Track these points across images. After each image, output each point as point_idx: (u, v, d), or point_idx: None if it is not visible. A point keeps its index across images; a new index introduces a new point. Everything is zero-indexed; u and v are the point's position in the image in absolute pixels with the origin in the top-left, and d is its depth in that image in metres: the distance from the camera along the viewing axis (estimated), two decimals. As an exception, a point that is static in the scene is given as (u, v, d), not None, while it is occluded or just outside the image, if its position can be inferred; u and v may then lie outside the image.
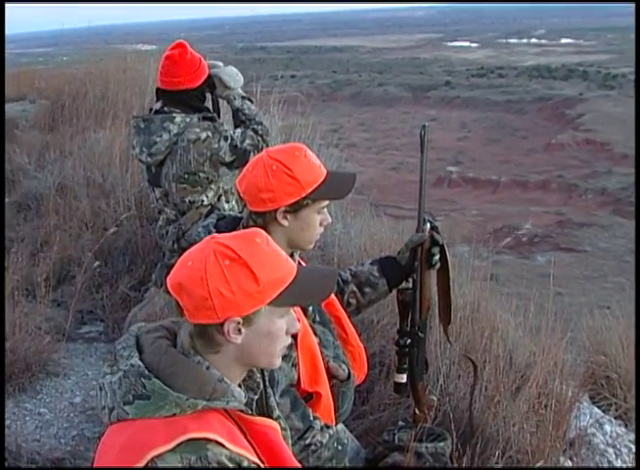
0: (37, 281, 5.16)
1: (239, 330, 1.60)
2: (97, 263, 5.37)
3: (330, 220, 2.50)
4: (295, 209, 2.35)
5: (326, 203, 2.45)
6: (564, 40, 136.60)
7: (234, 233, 1.69)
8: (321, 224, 2.45)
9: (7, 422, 4.09)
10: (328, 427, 2.43)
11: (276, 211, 2.34)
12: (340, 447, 2.44)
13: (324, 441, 2.39)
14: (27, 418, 4.20)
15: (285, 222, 2.36)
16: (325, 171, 2.41)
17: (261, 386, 1.81)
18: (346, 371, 2.59)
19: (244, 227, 2.40)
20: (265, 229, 2.32)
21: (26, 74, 11.81)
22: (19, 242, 6.05)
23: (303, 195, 2.34)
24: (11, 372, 4.38)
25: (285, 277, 1.64)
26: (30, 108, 10.13)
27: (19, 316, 4.64)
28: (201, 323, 1.60)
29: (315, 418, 2.41)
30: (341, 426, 2.72)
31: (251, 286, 1.58)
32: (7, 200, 7.22)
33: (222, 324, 1.59)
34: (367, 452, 2.81)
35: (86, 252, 5.57)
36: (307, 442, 2.35)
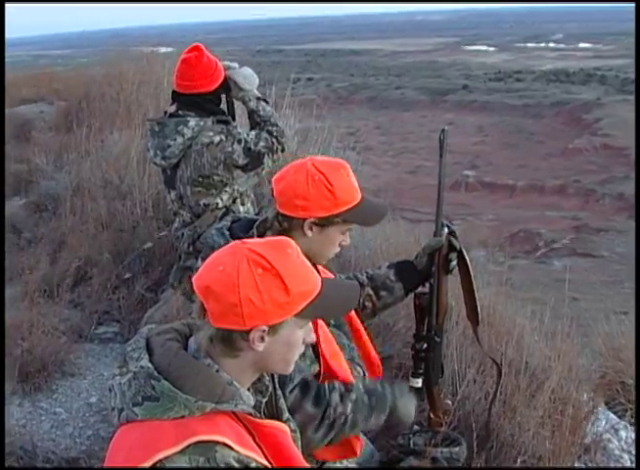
0: (55, 282, 5.20)
1: (262, 338, 1.61)
2: (128, 276, 5.38)
3: (348, 242, 2.51)
4: (323, 223, 2.36)
5: (352, 225, 2.45)
6: (582, 44, 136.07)
7: (265, 240, 1.70)
8: (340, 244, 2.46)
9: (22, 421, 4.12)
10: (349, 391, 2.37)
11: (305, 220, 2.34)
12: (373, 401, 2.39)
13: (348, 409, 2.33)
14: (43, 417, 4.22)
15: (309, 233, 2.35)
16: (360, 195, 2.42)
17: (270, 388, 1.82)
18: (361, 373, 2.59)
19: (269, 228, 2.40)
20: (288, 234, 2.32)
21: (45, 76, 11.89)
22: (36, 242, 6.08)
23: (336, 212, 2.34)
24: (27, 371, 4.40)
25: (312, 290, 1.65)
26: (48, 109, 10.20)
27: (36, 316, 4.67)
28: (224, 328, 1.60)
29: (333, 390, 2.34)
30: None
31: (282, 297, 1.59)
32: (24, 200, 7.27)
33: (248, 331, 1.60)
34: (381, 455, 2.81)
35: (103, 253, 5.59)
36: (330, 419, 2.30)
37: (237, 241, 1.68)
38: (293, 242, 1.71)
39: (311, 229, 2.35)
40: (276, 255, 1.62)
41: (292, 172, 2.36)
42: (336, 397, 2.37)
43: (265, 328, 1.60)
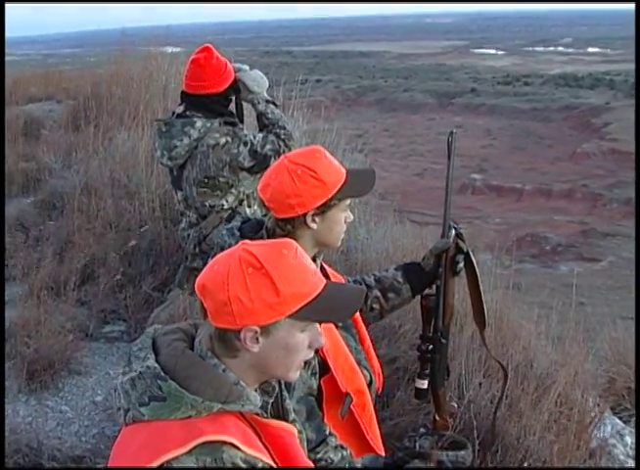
0: (61, 280, 5.21)
1: (256, 339, 1.60)
2: (118, 277, 5.40)
3: (352, 217, 2.50)
4: (322, 210, 2.35)
5: (349, 201, 2.46)
6: (591, 49, 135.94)
7: (264, 242, 1.68)
8: (345, 222, 2.46)
9: (29, 419, 4.14)
10: (343, 448, 2.40)
11: (305, 215, 2.34)
12: None
13: (335, 459, 2.34)
14: (49, 415, 4.24)
15: (314, 225, 2.35)
16: (345, 171, 2.42)
17: (277, 389, 1.80)
18: (368, 377, 2.58)
19: (270, 237, 2.40)
20: (294, 234, 2.32)
21: (54, 75, 11.91)
22: (44, 241, 6.09)
23: (330, 196, 2.33)
24: (34, 369, 4.42)
25: (309, 292, 1.62)
26: (57, 108, 10.21)
27: (42, 315, 4.69)
28: (221, 327, 1.60)
29: (331, 435, 2.39)
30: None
31: (271, 297, 1.57)
32: (32, 198, 7.29)
33: (239, 330, 1.59)
34: (386, 458, 2.80)
35: (110, 252, 5.60)
36: (319, 456, 2.31)
37: (238, 242, 1.68)
38: (293, 243, 1.69)
39: (314, 221, 2.34)
40: (269, 255, 1.60)
41: (273, 177, 2.34)
42: (333, 441, 2.37)
43: (257, 328, 1.58)
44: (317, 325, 1.70)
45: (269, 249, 1.63)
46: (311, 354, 1.73)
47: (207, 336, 1.63)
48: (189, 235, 4.18)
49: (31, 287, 5.10)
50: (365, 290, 1.93)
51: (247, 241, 1.68)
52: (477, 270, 2.85)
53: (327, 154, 2.39)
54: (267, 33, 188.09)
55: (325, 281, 1.69)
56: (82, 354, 4.78)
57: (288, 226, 2.36)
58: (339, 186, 2.36)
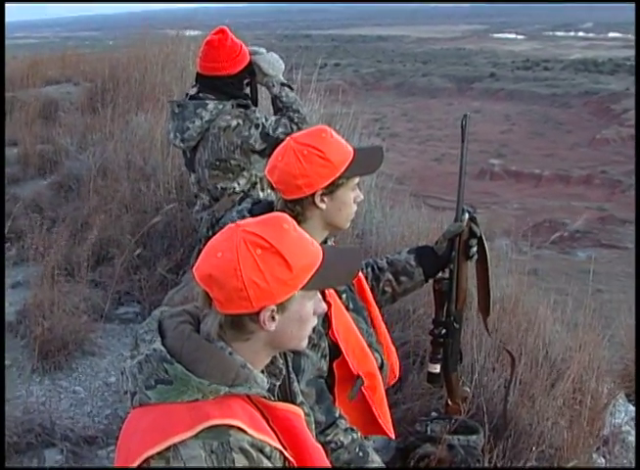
0: (77, 261, 5.23)
1: (273, 317, 1.59)
2: (138, 251, 5.40)
3: (362, 197, 2.49)
4: (331, 190, 2.34)
5: (357, 179, 2.44)
6: (611, 34, 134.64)
7: (259, 219, 1.65)
8: (354, 201, 2.44)
9: (42, 399, 4.15)
10: (353, 430, 2.40)
11: (313, 195, 2.32)
12: (361, 454, 2.39)
13: (345, 442, 2.35)
14: (62, 396, 4.26)
15: (323, 205, 2.34)
16: (352, 149, 2.40)
17: (284, 372, 1.80)
18: (379, 359, 2.57)
19: None
20: (303, 215, 2.31)
21: (71, 58, 11.92)
22: (59, 222, 6.11)
23: (337, 175, 2.32)
24: (47, 350, 4.45)
25: (314, 261, 1.63)
26: (74, 90, 10.23)
27: (57, 295, 4.70)
28: (233, 313, 1.58)
29: (341, 417, 2.39)
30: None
31: (285, 274, 1.56)
32: (49, 180, 7.31)
33: (257, 313, 1.58)
34: (398, 442, 2.80)
35: (125, 234, 5.61)
36: (328, 438, 2.32)
37: (231, 224, 1.65)
38: (286, 216, 1.68)
39: (323, 201, 2.33)
40: (273, 232, 1.59)
41: (280, 158, 2.33)
42: (343, 424, 2.38)
43: (274, 307, 1.58)
44: (318, 293, 1.70)
45: (270, 226, 1.62)
46: (316, 321, 1.72)
47: (216, 324, 1.61)
48: (202, 218, 4.18)
49: (46, 268, 5.11)
50: (358, 248, 1.94)
51: (239, 221, 1.66)
52: (487, 256, 2.83)
53: (333, 133, 2.38)
54: (287, 17, 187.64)
55: (321, 247, 1.69)
56: (96, 336, 4.80)
57: (297, 207, 2.34)
58: (346, 165, 2.34)
